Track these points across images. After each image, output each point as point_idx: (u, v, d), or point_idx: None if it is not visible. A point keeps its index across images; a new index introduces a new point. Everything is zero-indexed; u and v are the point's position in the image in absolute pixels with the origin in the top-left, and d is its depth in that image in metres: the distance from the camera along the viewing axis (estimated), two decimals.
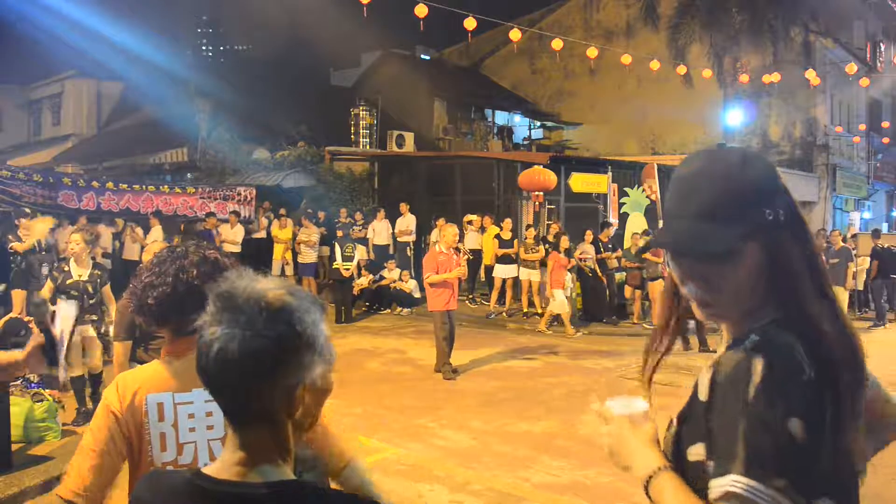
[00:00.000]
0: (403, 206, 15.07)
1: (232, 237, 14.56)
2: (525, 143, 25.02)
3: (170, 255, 1.92)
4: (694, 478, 1.20)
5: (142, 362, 4.27)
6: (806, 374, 1.09)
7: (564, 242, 11.78)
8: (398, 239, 15.16)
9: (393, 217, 15.15)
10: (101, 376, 6.65)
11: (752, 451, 1.07)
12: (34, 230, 10.22)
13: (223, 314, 1.09)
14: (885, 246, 13.43)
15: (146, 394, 1.82)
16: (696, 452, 1.21)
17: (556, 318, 12.46)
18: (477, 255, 13.66)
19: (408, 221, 15.05)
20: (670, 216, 1.25)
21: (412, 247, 15.28)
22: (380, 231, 15.00)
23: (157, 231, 13.73)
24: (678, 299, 1.35)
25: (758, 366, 1.10)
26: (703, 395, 1.20)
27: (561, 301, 11.56)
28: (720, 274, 1.20)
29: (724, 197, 1.18)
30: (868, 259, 13.59)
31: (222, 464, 1.13)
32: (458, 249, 9.32)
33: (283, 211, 15.39)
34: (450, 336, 8.74)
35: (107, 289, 6.63)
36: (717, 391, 1.15)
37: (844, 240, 13.59)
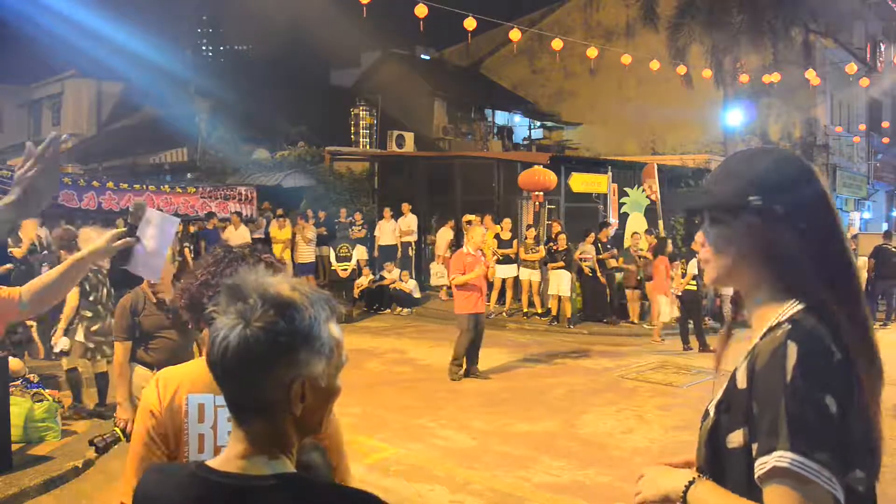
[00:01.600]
0: (405, 207, 15.07)
1: (237, 238, 14.57)
2: (525, 143, 25.02)
3: (226, 256, 1.93)
4: (733, 465, 1.28)
5: (142, 362, 4.29)
6: (835, 357, 1.20)
7: (671, 245, 11.41)
8: (401, 239, 15.17)
9: (396, 217, 15.15)
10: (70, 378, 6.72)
11: (794, 428, 1.15)
12: (26, 233, 10.30)
13: (230, 305, 1.11)
14: (885, 246, 13.43)
15: (187, 393, 1.81)
16: (736, 439, 1.28)
17: (556, 318, 12.47)
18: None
19: (409, 221, 15.05)
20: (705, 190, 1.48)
21: (413, 247, 15.28)
22: (385, 231, 15.01)
23: None
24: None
25: (792, 350, 1.20)
26: (741, 383, 1.28)
27: (665, 310, 11.18)
28: (726, 239, 1.36)
29: (736, 180, 1.36)
30: (868, 259, 13.60)
31: (225, 456, 1.15)
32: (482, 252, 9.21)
33: (280, 211, 15.41)
34: (477, 339, 8.60)
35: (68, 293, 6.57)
36: (757, 377, 1.24)
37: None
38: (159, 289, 4.32)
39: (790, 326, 1.24)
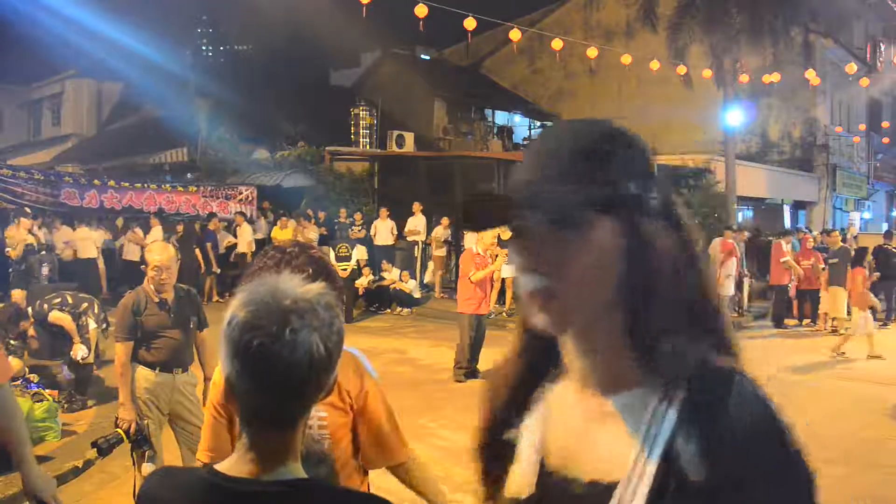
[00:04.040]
0: (416, 206, 15.03)
1: (241, 238, 14.58)
2: (525, 143, 25.03)
3: (283, 255, 1.98)
4: None
5: (144, 362, 4.28)
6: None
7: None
8: (407, 238, 15.13)
9: (396, 217, 15.12)
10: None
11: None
12: (18, 233, 10.44)
13: (273, 317, 1.07)
14: (885, 246, 13.43)
15: None
16: None
17: None
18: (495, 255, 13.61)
19: (417, 221, 15.00)
20: (512, 189, 0.93)
21: (420, 246, 15.22)
22: (382, 231, 14.97)
23: (157, 231, 13.75)
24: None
25: (769, 408, 0.86)
26: (695, 473, 0.82)
27: (860, 323, 10.17)
28: (565, 251, 0.88)
29: (577, 157, 0.90)
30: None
31: (235, 461, 1.14)
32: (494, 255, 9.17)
33: (282, 212, 15.41)
34: (479, 340, 8.60)
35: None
36: (737, 457, 0.82)
37: (844, 240, 13.59)
38: (163, 289, 4.32)
39: (734, 375, 0.87)
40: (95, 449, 3.98)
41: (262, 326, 1.06)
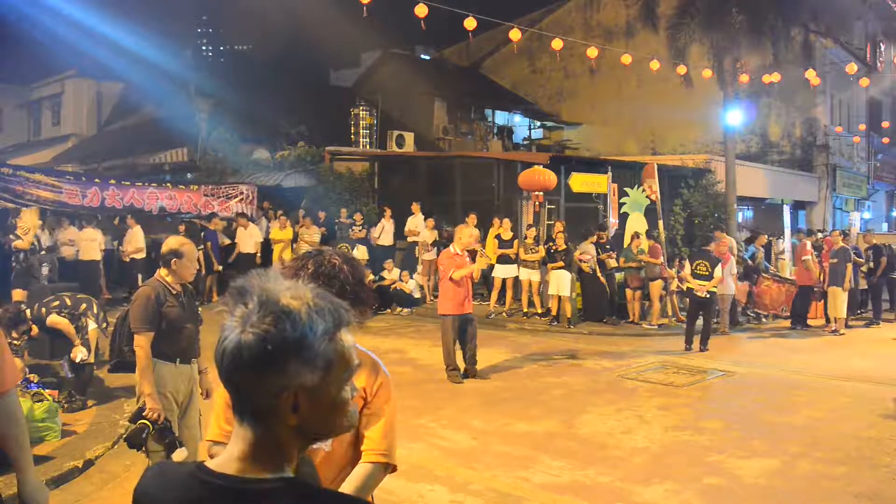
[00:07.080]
0: (415, 206, 15.02)
1: (247, 238, 14.57)
2: (525, 143, 25.03)
3: (304, 261, 2.08)
4: None
5: (165, 356, 4.29)
6: None
7: None
8: (407, 238, 15.12)
9: (396, 217, 15.10)
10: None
11: None
12: (28, 224, 10.37)
13: (235, 308, 1.13)
14: (887, 245, 13.44)
15: None
16: None
17: (556, 318, 12.46)
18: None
19: (417, 221, 14.99)
20: None
21: (420, 246, 15.22)
22: (388, 231, 14.95)
23: (138, 231, 13.72)
24: None
25: None
26: None
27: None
28: None
29: None
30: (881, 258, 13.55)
31: (225, 457, 1.16)
32: (472, 252, 9.05)
33: (281, 212, 15.41)
34: (468, 339, 8.55)
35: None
36: None
37: (845, 240, 13.59)
38: (185, 277, 4.39)
39: None
40: (127, 443, 4.09)
41: (229, 317, 1.14)
